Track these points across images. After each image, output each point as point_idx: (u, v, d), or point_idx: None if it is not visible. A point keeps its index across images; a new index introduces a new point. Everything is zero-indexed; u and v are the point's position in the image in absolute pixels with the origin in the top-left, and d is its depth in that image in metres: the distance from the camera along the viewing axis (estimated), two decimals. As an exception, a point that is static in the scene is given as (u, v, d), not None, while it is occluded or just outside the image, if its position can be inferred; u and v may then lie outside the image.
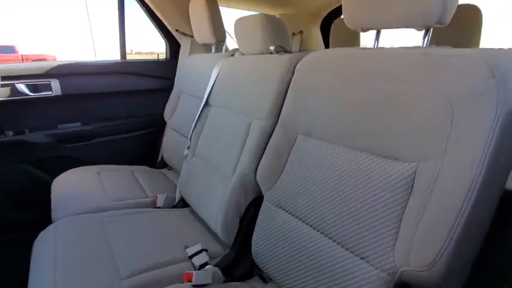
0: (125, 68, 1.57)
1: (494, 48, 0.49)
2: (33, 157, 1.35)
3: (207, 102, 1.16)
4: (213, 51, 1.43)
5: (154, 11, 1.50)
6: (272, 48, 0.91)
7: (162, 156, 1.58)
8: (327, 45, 2.10)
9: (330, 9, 1.88)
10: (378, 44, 0.69)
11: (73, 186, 1.18)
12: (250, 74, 0.96)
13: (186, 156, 1.18)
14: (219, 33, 1.29)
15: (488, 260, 0.49)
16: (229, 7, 1.78)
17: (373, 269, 0.52)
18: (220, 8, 1.29)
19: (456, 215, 0.42)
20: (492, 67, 0.43)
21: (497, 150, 0.41)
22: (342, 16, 1.99)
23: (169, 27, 1.59)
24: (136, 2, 1.51)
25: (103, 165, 1.40)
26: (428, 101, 0.49)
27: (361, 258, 0.54)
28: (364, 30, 0.67)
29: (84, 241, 0.84)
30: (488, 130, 0.41)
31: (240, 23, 1.02)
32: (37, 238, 0.88)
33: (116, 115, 1.57)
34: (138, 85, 1.61)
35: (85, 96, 1.47)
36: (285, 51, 0.95)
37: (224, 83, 1.09)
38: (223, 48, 1.41)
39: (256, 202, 0.86)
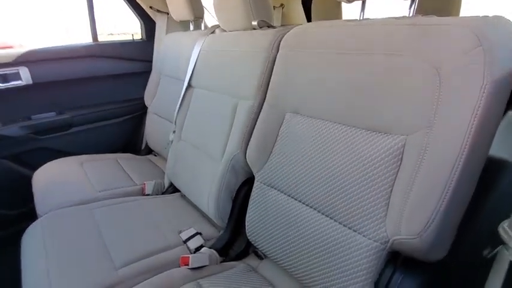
0: (98, 51, 1.47)
1: (479, 16, 0.48)
2: (10, 151, 1.28)
3: (189, 84, 1.12)
4: (191, 28, 1.36)
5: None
6: (255, 23, 0.87)
7: (146, 143, 1.54)
8: (309, 19, 2.04)
9: (310, -20, 1.81)
10: (363, 15, 0.67)
11: (56, 179, 1.13)
12: (233, 52, 0.93)
13: (172, 141, 1.15)
14: (197, 9, 1.23)
15: (471, 224, 0.52)
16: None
17: (366, 239, 0.54)
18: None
19: (445, 184, 0.43)
20: (479, 36, 0.43)
21: (484, 119, 0.42)
22: None
23: (142, 4, 1.49)
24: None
25: (85, 155, 1.35)
26: (417, 72, 0.49)
27: (353, 231, 0.56)
28: (350, 1, 0.65)
29: (74, 233, 0.83)
30: (475, 99, 0.42)
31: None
32: (25, 233, 0.85)
33: (93, 102, 1.49)
34: (114, 69, 1.53)
35: (58, 84, 1.38)
36: (268, 27, 0.91)
37: (206, 63, 1.05)
38: (202, 25, 1.34)
39: (248, 182, 0.87)
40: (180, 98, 1.14)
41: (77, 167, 1.23)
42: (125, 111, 1.59)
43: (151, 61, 1.60)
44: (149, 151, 1.53)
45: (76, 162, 1.26)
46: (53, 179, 1.13)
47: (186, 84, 1.12)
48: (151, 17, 1.54)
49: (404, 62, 0.52)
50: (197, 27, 1.35)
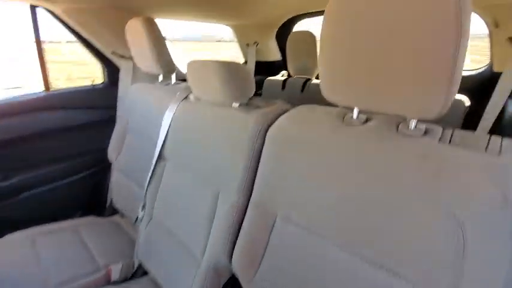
0: (51, 101, 1.30)
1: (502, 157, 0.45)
2: None
3: (161, 155, 1.00)
4: (160, 79, 1.25)
5: (80, 33, 1.24)
6: (236, 105, 0.79)
7: (111, 201, 1.38)
8: (283, 55, 2.02)
9: (284, 20, 1.78)
10: (359, 116, 0.61)
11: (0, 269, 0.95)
12: (212, 132, 0.83)
13: (142, 218, 1.02)
14: (166, 64, 1.12)
15: None
16: (177, 19, 1.57)
17: None
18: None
19: None
20: (505, 191, 0.41)
21: None
22: (295, 28, 1.93)
23: (102, 50, 1.34)
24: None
25: (38, 228, 1.16)
26: (431, 215, 0.45)
27: None
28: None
29: None
30: (502, 257, 0.39)
31: (193, 67, 0.87)
32: None
33: (47, 159, 1.31)
34: (70, 120, 1.35)
35: (3, 143, 1.18)
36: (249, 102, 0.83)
37: (180, 136, 0.94)
38: (173, 77, 1.23)
39: (233, 280, 0.78)
40: (151, 169, 1.02)
41: (27, 247, 1.05)
42: (86, 165, 1.42)
43: (114, 108, 1.44)
44: (114, 211, 1.37)
45: (27, 240, 1.08)
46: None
47: (157, 153, 1.00)
48: (114, 62, 1.40)
49: (415, 198, 0.47)
50: (167, 78, 1.23)
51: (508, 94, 1.07)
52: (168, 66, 1.12)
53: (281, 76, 2.05)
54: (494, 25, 1.06)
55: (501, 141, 0.50)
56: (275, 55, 2.03)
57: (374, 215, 0.52)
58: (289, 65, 1.67)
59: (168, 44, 1.14)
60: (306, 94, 1.60)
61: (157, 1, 1.24)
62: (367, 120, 0.61)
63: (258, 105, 0.81)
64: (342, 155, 0.57)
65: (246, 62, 2.02)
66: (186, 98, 1.00)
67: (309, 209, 0.60)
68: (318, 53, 0.54)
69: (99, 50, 1.33)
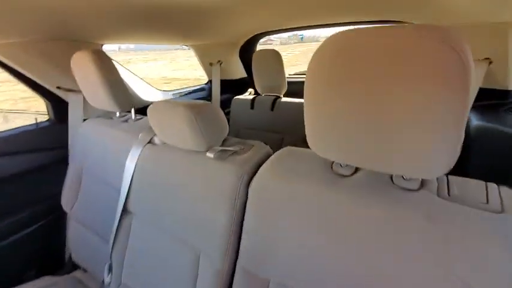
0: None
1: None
2: None
3: (126, 208, 0.88)
4: (117, 114, 1.11)
5: (16, 69, 1.06)
6: (211, 155, 0.70)
7: (70, 256, 1.20)
8: (248, 73, 1.96)
9: (246, 39, 1.72)
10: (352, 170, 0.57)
11: None
12: (185, 185, 0.74)
13: (109, 283, 0.88)
14: (122, 101, 0.99)
15: None
16: (131, 43, 1.43)
17: None
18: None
19: None
20: None
21: None
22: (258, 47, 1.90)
23: (46, 86, 1.16)
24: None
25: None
26: (440, 279, 0.42)
27: None
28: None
29: None
30: None
31: (156, 110, 0.76)
32: None
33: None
34: (14, 166, 1.16)
35: None
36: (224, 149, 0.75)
37: (147, 187, 0.83)
38: (133, 112, 1.10)
39: None
40: (115, 224, 0.89)
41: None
42: (36, 217, 1.22)
43: (65, 147, 1.27)
44: (74, 266, 1.20)
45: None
46: None
47: (121, 206, 0.88)
48: (61, 96, 1.23)
49: (423, 266, 0.44)
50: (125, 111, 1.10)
51: (470, 107, 1.12)
52: (125, 102, 1.00)
53: (248, 94, 1.99)
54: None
55: (498, 191, 0.48)
56: (240, 73, 1.97)
57: (379, 278, 0.47)
58: (257, 83, 1.62)
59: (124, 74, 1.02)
60: (276, 112, 1.56)
61: (104, 28, 1.10)
62: (356, 170, 0.57)
63: (234, 151, 0.73)
64: (338, 213, 0.52)
65: (210, 81, 1.94)
66: (150, 141, 0.88)
67: (307, 277, 0.54)
68: (304, 107, 0.49)
69: (41, 84, 1.15)
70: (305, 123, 0.50)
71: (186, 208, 0.72)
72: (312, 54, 0.44)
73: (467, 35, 0.99)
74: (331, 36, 0.41)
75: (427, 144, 0.39)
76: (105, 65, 0.93)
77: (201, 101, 0.75)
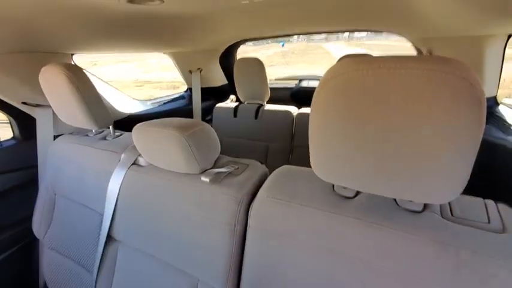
0: None
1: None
2: None
3: (110, 235, 0.81)
4: (93, 130, 1.04)
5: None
6: (207, 180, 0.66)
7: (45, 284, 1.10)
8: (229, 79, 1.93)
9: (227, 46, 1.69)
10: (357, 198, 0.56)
11: None
12: (177, 210, 0.69)
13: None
14: (100, 118, 0.92)
15: None
16: (103, 53, 1.34)
17: None
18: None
19: None
20: None
21: None
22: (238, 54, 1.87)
23: (9, 101, 1.05)
24: None
25: None
26: None
27: None
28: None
29: None
30: None
31: (141, 133, 0.71)
32: None
33: None
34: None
35: None
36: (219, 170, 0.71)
37: (134, 212, 0.77)
38: (111, 128, 1.02)
39: None
40: (100, 252, 0.82)
41: None
42: (4, 245, 1.10)
43: (34, 168, 1.16)
44: (52, 297, 1.10)
45: None
46: None
47: (104, 232, 0.81)
48: (28, 112, 1.12)
49: None
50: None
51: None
52: (103, 119, 0.93)
53: (230, 101, 1.95)
54: (429, 53, 1.16)
55: (497, 208, 0.50)
56: (220, 80, 1.93)
57: None
58: (239, 91, 1.59)
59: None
60: (261, 120, 1.54)
61: (75, 37, 1.02)
62: (358, 191, 0.56)
63: (228, 171, 0.70)
64: (343, 235, 0.51)
65: (189, 89, 1.87)
66: (134, 162, 0.82)
67: None
68: (309, 134, 0.47)
69: (4, 100, 1.04)
70: (310, 149, 0.48)
71: (181, 234, 0.68)
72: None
73: (450, 46, 1.04)
74: (338, 67, 0.40)
75: (441, 170, 0.39)
76: (80, 80, 0.86)
77: (191, 120, 0.71)
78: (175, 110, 1.77)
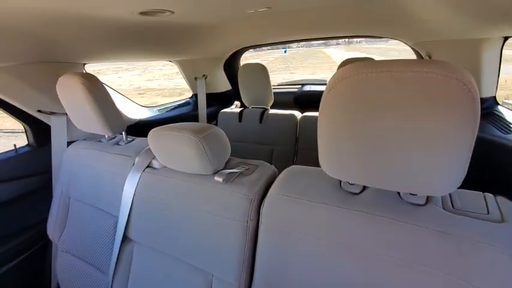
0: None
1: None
2: None
3: (126, 236, 0.85)
4: (106, 136, 1.08)
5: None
6: (220, 180, 0.70)
7: (59, 286, 1.13)
8: (233, 85, 1.97)
9: (231, 53, 1.74)
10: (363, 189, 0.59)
11: None
12: (192, 210, 0.73)
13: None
14: (115, 125, 0.96)
15: None
16: (114, 62, 1.39)
17: None
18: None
19: None
20: None
21: None
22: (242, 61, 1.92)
23: (25, 110, 1.10)
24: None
25: None
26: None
27: None
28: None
29: None
30: None
31: (158, 137, 0.74)
32: None
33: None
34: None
35: None
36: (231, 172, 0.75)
37: (150, 213, 0.81)
38: (124, 134, 1.06)
39: None
40: (115, 253, 0.85)
41: None
42: (19, 250, 1.13)
43: (47, 172, 1.20)
44: (66, 300, 1.13)
45: None
46: None
47: (120, 234, 0.85)
48: (43, 120, 1.16)
49: (435, 280, 0.46)
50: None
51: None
52: (118, 126, 0.97)
53: (235, 107, 2.00)
54: (428, 56, 1.20)
55: (496, 201, 0.53)
56: (225, 86, 1.97)
57: None
58: (243, 96, 1.64)
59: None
60: (265, 125, 1.58)
61: (88, 48, 1.07)
62: (364, 187, 0.59)
63: (240, 172, 0.73)
64: (352, 230, 0.54)
65: (194, 95, 1.92)
66: (149, 165, 0.86)
67: None
68: (318, 133, 0.50)
69: (19, 108, 1.09)
70: (318, 147, 0.52)
71: (195, 232, 0.71)
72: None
73: (448, 49, 1.08)
74: (344, 71, 0.44)
75: (441, 164, 0.42)
76: (96, 88, 0.90)
77: (204, 124, 0.75)
78: (182, 115, 1.82)
